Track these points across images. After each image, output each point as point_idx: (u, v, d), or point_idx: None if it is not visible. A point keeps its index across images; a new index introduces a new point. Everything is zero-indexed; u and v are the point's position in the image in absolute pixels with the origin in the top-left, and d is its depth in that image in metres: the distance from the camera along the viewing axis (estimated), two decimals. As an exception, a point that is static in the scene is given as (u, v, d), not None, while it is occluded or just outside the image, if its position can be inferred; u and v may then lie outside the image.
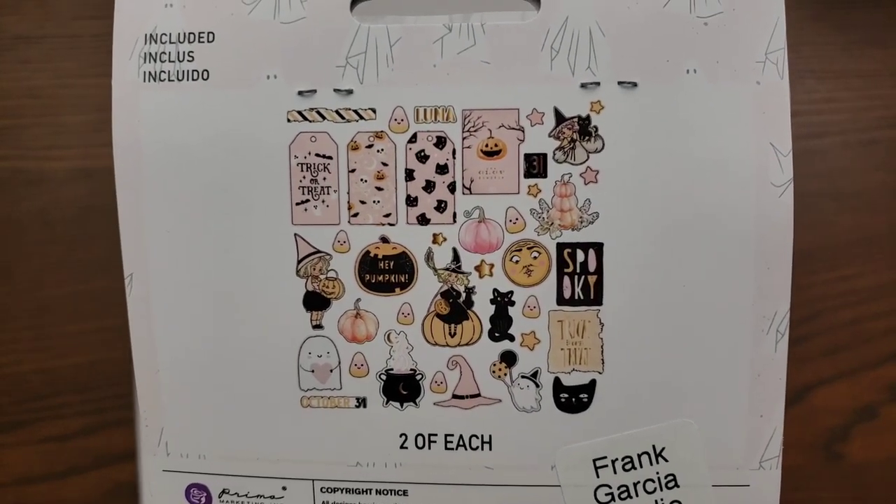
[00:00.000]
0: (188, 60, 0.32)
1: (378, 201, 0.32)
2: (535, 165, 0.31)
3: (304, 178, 0.32)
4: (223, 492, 0.34)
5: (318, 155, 0.32)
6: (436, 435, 0.32)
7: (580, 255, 0.31)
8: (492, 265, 0.32)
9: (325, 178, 0.32)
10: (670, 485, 0.32)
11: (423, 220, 0.32)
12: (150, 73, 0.32)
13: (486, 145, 0.31)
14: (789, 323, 0.32)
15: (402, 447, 0.32)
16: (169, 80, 0.32)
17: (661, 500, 0.32)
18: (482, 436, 0.32)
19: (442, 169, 0.32)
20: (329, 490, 0.33)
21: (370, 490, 0.33)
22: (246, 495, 0.34)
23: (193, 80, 0.32)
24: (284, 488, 0.33)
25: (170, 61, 0.32)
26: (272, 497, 0.34)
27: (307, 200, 0.32)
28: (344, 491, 0.33)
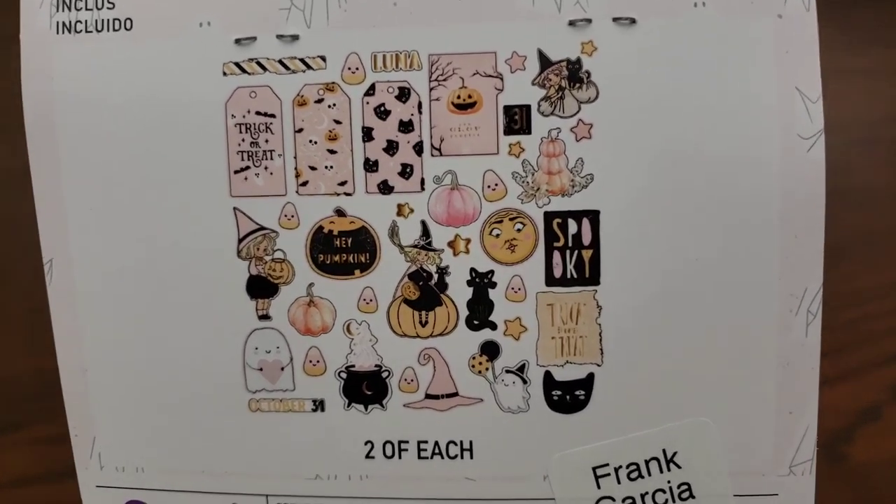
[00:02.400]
0: (108, 8, 0.28)
1: (331, 167, 0.27)
2: (517, 120, 0.27)
3: (242, 140, 0.27)
4: (165, 510, 0.29)
5: (259, 113, 0.27)
6: (407, 442, 0.28)
7: (572, 226, 0.27)
8: (468, 240, 0.27)
9: (267, 141, 0.27)
10: (684, 495, 0.27)
11: (385, 188, 0.27)
12: (63, 23, 0.28)
13: (458, 97, 0.27)
14: (822, 302, 0.27)
15: (367, 456, 0.28)
16: (86, 31, 0.28)
17: (674, 513, 0.27)
18: (461, 442, 0.28)
19: (406, 126, 0.27)
20: (285, 507, 0.28)
21: (332, 507, 0.28)
22: (190, 514, 0.29)
23: (114, 30, 0.28)
24: (234, 505, 0.29)
25: (86, 9, 0.28)
26: (220, 516, 0.29)
27: (247, 168, 0.27)
28: (301, 508, 0.28)
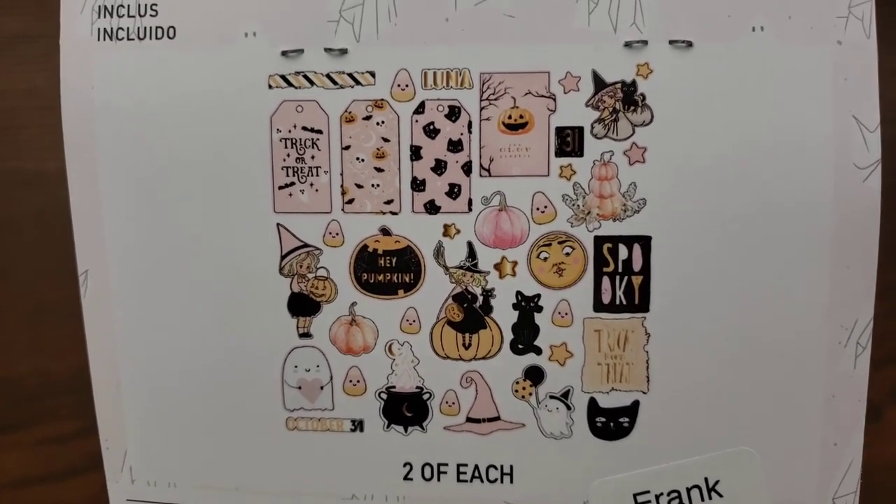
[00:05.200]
0: (151, 15, 0.27)
1: (378, 185, 0.27)
2: (569, 141, 0.26)
3: (288, 156, 0.27)
4: (197, 526, 0.29)
5: (305, 128, 0.27)
6: (446, 464, 0.27)
7: (623, 251, 0.26)
8: (515, 263, 0.27)
9: (313, 157, 0.27)
10: (726, 525, 0.27)
11: (432, 207, 0.27)
12: (105, 30, 0.27)
13: (510, 117, 0.26)
14: (872, 334, 0.26)
15: (406, 478, 0.28)
16: (128, 38, 0.27)
17: (715, 542, 0.27)
18: (501, 466, 0.27)
19: (455, 146, 0.26)
20: (320, 527, 0.28)
21: (369, 528, 0.28)
22: (223, 531, 0.29)
23: (157, 38, 0.27)
24: (268, 524, 0.28)
25: (129, 16, 0.27)
26: (254, 533, 0.29)
27: (292, 184, 0.27)
28: (338, 528, 0.28)
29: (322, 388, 0.28)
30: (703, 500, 0.27)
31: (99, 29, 0.27)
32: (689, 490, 0.27)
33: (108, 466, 0.30)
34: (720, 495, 0.27)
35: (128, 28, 0.27)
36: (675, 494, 0.27)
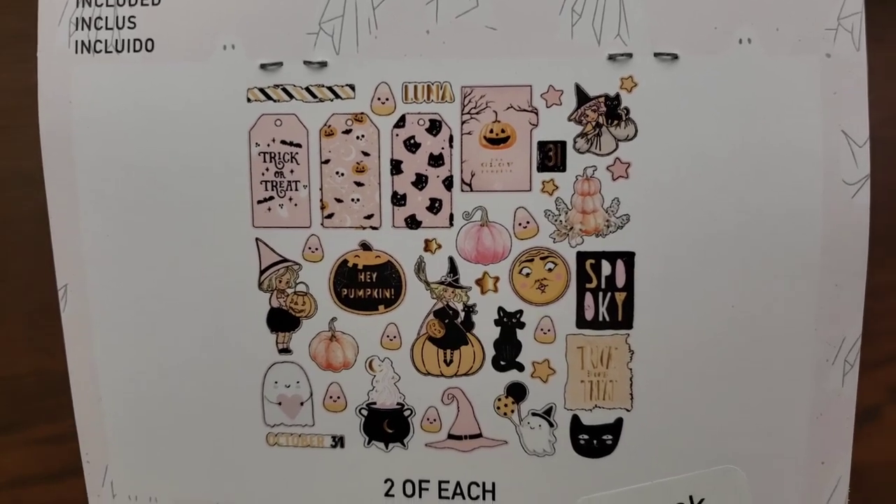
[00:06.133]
0: (129, 27, 0.27)
1: (358, 199, 0.26)
2: (552, 156, 0.26)
3: (267, 170, 0.27)
4: (178, 543, 0.29)
5: (284, 142, 0.26)
6: (427, 481, 0.27)
7: (606, 268, 0.26)
8: (497, 278, 0.26)
9: (292, 171, 0.26)
10: (711, 544, 0.27)
11: (412, 222, 0.26)
12: (82, 42, 0.27)
13: (491, 131, 0.26)
14: (860, 351, 0.26)
15: (387, 495, 0.28)
16: (106, 51, 0.27)
17: (700, 562, 0.27)
18: (483, 483, 0.27)
19: (436, 160, 0.26)
20: (302, 545, 0.28)
21: (350, 546, 0.28)
22: (204, 548, 0.28)
23: (135, 50, 0.27)
24: (249, 541, 0.28)
25: (107, 28, 0.27)
26: (236, 550, 0.28)
27: (271, 198, 0.27)
28: (319, 546, 0.28)
29: (302, 403, 0.28)
30: (687, 518, 0.27)
31: (77, 41, 0.27)
32: (673, 509, 0.27)
33: (90, 481, 0.30)
34: None
35: (105, 40, 0.27)
36: (659, 513, 0.27)
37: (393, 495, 0.28)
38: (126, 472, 0.29)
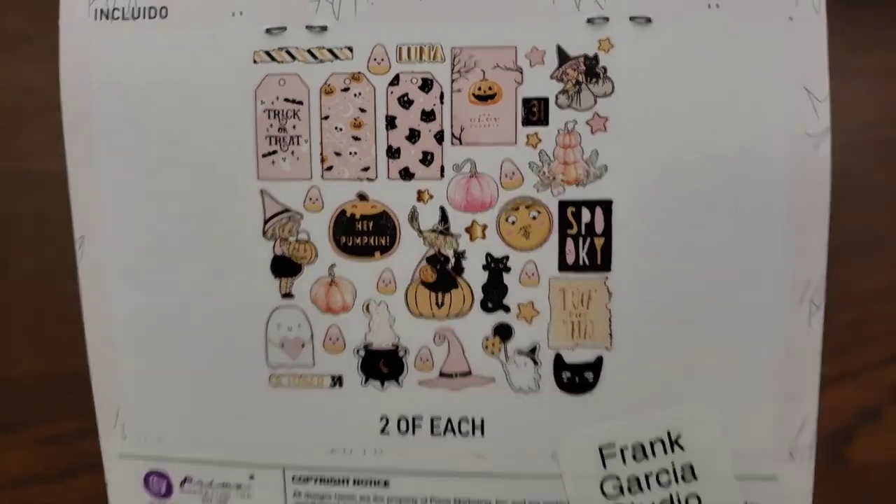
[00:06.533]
0: (144, -5, 0.28)
1: (355, 153, 0.28)
2: (535, 112, 0.28)
3: (271, 126, 0.28)
4: (185, 480, 0.31)
5: (287, 100, 0.28)
6: (421, 418, 0.29)
7: (586, 215, 0.28)
8: (484, 226, 0.28)
9: (294, 127, 0.28)
10: (687, 476, 0.28)
11: (406, 174, 0.28)
12: (101, 10, 0.29)
13: (479, 88, 0.28)
14: (825, 294, 0.28)
15: (382, 431, 0.29)
16: (123, 17, 0.29)
17: (677, 493, 0.28)
18: (473, 419, 0.29)
19: (428, 116, 0.28)
20: (301, 479, 0.30)
21: (347, 480, 0.30)
22: (210, 484, 0.30)
23: (150, 17, 0.29)
24: (252, 476, 0.30)
25: (123, -4, 0.29)
26: (238, 486, 0.30)
27: (275, 152, 0.29)
28: (318, 480, 0.30)
29: (303, 345, 0.29)
30: (665, 453, 0.29)
31: (96, 10, 0.29)
32: (652, 443, 0.29)
33: (101, 424, 0.31)
34: (682, 448, 0.29)
35: (123, 8, 0.29)
36: (639, 447, 0.29)
37: (388, 432, 0.29)
38: (136, 414, 0.31)
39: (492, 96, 0.28)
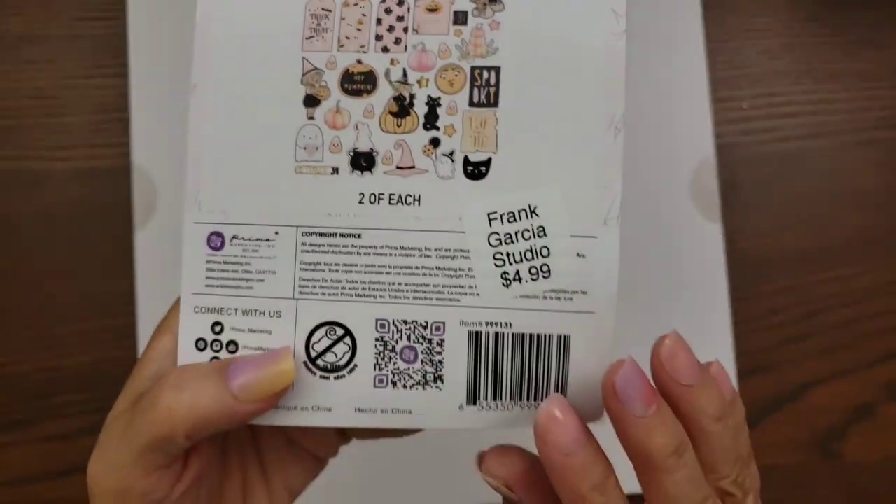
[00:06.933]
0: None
1: (357, 38, 0.49)
2: (460, 18, 0.48)
3: (313, 21, 0.49)
4: (234, 237, 0.49)
5: (323, 9, 0.50)
6: (383, 194, 0.47)
7: (486, 74, 0.48)
8: (428, 80, 0.48)
9: (325, 23, 0.49)
10: (540, 234, 0.46)
11: (385, 49, 0.49)
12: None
13: (430, 5, 0.49)
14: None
15: (359, 202, 0.47)
16: None
17: (534, 245, 0.46)
18: (414, 195, 0.47)
19: (400, 18, 0.49)
20: (308, 233, 0.48)
21: (336, 233, 0.48)
22: (248, 239, 0.49)
23: None
24: (277, 232, 0.48)
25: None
26: (267, 240, 0.48)
27: (313, 37, 0.49)
28: (318, 234, 0.48)
29: (317, 149, 0.48)
30: (527, 217, 0.46)
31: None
32: (519, 212, 0.46)
33: (188, 202, 0.50)
34: (537, 215, 0.46)
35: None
36: (511, 214, 0.46)
37: (363, 203, 0.48)
38: (209, 193, 0.49)
39: (437, 9, 0.49)
